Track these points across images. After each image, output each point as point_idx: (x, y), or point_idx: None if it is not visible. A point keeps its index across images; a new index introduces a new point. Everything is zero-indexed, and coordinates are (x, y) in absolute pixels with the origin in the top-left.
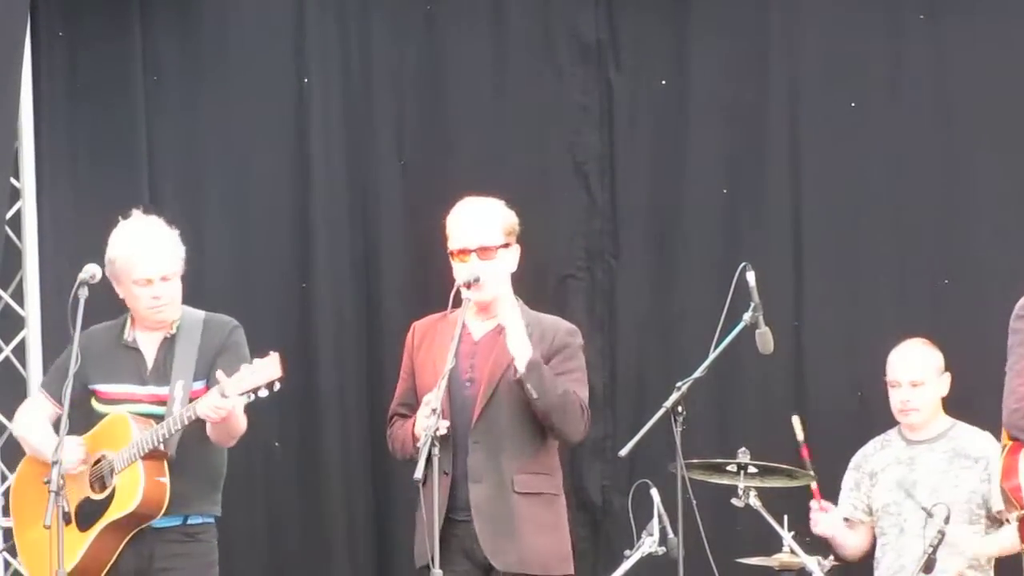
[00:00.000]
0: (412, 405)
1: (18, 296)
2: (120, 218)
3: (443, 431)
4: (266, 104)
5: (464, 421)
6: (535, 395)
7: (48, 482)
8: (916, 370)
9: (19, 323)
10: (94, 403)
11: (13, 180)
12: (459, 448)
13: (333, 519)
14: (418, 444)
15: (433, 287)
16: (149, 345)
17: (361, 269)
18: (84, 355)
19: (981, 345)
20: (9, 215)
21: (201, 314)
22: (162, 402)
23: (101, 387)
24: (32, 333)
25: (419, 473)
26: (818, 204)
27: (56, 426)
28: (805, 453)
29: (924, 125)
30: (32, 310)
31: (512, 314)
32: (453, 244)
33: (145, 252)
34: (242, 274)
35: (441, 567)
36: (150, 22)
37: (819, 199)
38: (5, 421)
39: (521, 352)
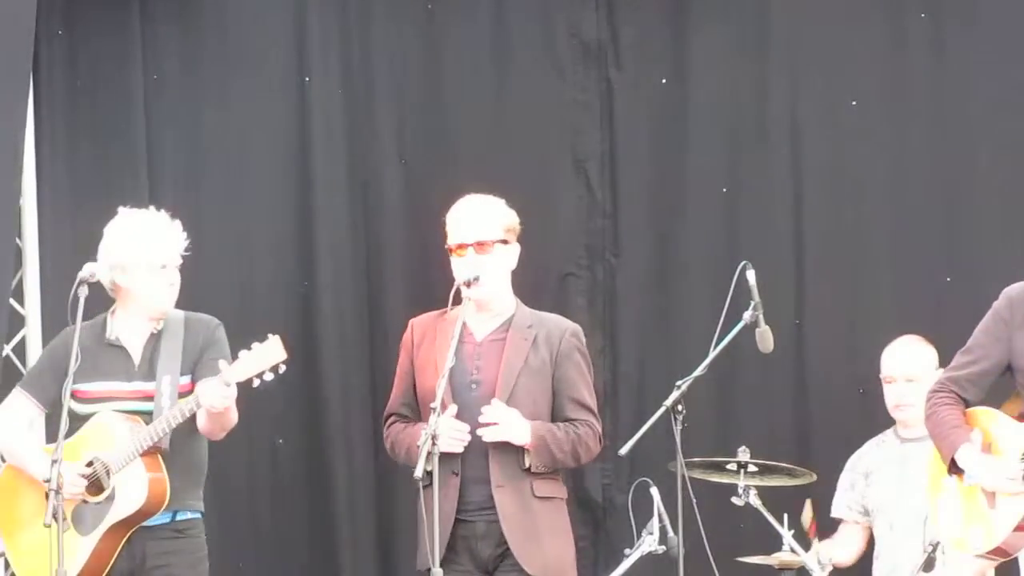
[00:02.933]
0: (412, 405)
1: (18, 295)
2: (120, 209)
3: (460, 448)
4: (267, 102)
5: (471, 423)
6: (548, 468)
7: (48, 480)
8: (911, 366)
9: (19, 322)
10: (73, 404)
11: None
12: (467, 449)
13: (336, 517)
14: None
15: (434, 285)
16: (135, 342)
17: (362, 268)
18: (67, 355)
19: None
20: None
21: (182, 313)
22: (149, 398)
23: (83, 386)
24: (32, 332)
25: (419, 472)
26: (819, 202)
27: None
28: (812, 532)
29: (925, 123)
30: (32, 309)
31: (504, 431)
32: (451, 239)
33: (160, 238)
34: (243, 273)
35: (445, 567)
36: (150, 20)
37: (820, 197)
38: None
39: (524, 442)
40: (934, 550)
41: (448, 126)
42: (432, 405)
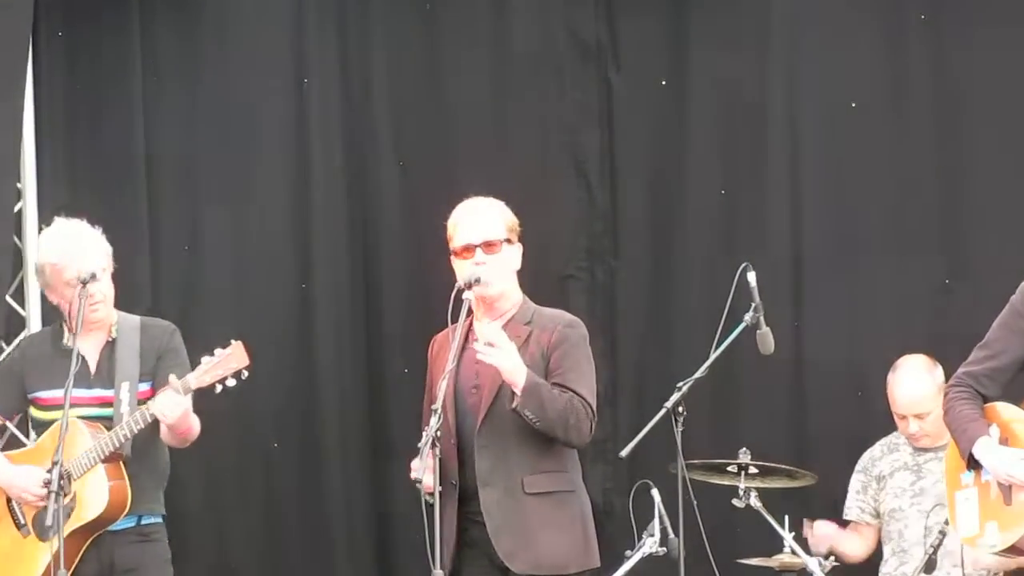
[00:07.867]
0: None
1: (18, 295)
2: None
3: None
4: (266, 104)
5: (469, 427)
6: (534, 419)
7: (48, 483)
8: (923, 403)
9: (19, 322)
10: (33, 411)
11: None
12: (467, 455)
13: (333, 520)
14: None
15: (432, 288)
16: (90, 349)
17: (360, 270)
18: (23, 363)
19: None
20: None
21: (137, 318)
22: (108, 404)
23: (42, 394)
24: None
25: (415, 474)
26: (818, 204)
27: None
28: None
29: (924, 124)
30: (32, 310)
31: (498, 355)
32: (457, 242)
33: (76, 253)
34: (241, 275)
35: (462, 568)
36: (150, 22)
37: (819, 199)
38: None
39: (517, 379)
40: (935, 551)
41: (447, 127)
42: (433, 407)
